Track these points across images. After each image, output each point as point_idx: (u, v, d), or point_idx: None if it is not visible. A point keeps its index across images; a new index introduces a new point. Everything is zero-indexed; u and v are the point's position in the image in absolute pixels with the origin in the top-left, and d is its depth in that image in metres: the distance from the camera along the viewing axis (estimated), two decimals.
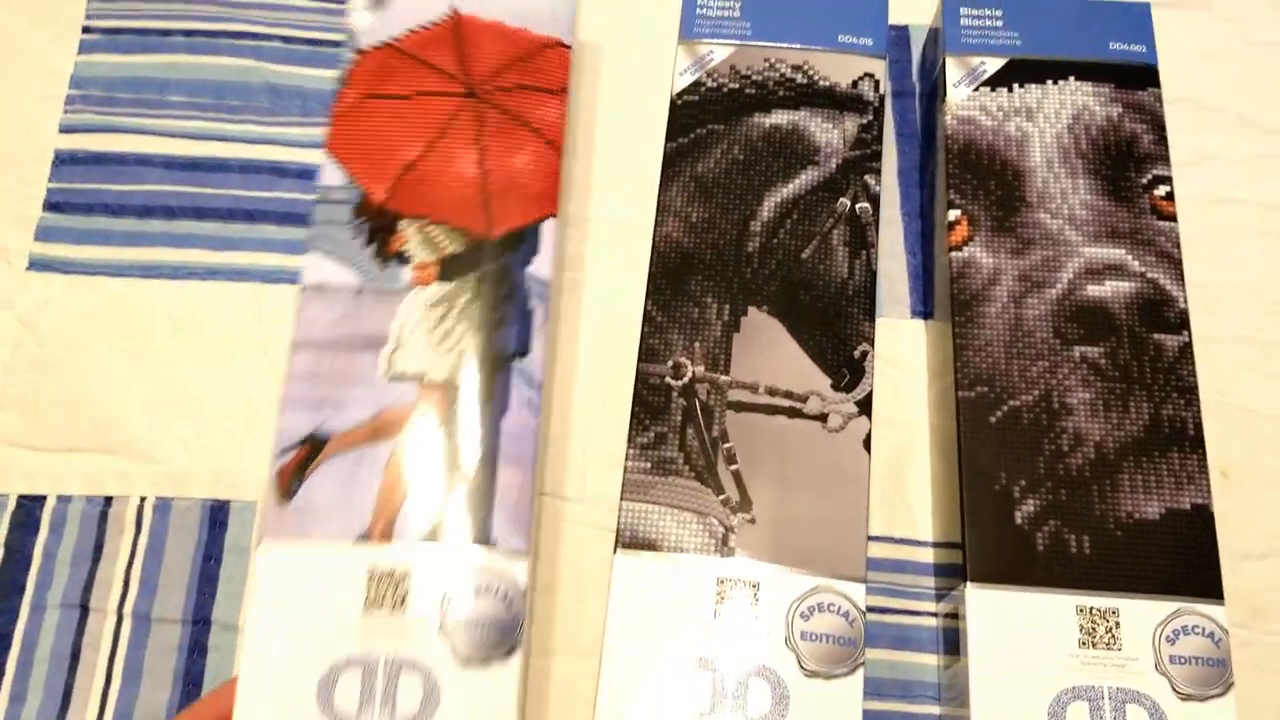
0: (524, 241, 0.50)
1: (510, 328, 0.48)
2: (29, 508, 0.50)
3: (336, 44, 0.59)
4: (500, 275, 0.49)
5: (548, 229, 0.50)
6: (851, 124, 0.53)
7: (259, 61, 0.59)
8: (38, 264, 0.54)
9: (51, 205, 0.55)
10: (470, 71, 0.53)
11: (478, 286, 0.49)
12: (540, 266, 0.50)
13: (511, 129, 0.52)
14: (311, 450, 0.46)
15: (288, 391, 0.47)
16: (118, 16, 0.60)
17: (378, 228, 0.50)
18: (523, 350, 0.48)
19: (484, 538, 0.45)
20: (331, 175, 0.51)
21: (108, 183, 0.56)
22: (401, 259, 0.49)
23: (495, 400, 0.47)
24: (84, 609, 0.48)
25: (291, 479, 0.45)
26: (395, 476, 0.46)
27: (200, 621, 0.48)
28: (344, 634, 0.43)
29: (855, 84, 0.53)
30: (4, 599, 0.48)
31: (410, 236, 0.50)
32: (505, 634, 0.43)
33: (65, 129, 0.57)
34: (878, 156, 0.52)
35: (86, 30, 0.59)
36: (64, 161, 0.56)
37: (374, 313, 0.48)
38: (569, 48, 0.54)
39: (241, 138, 0.57)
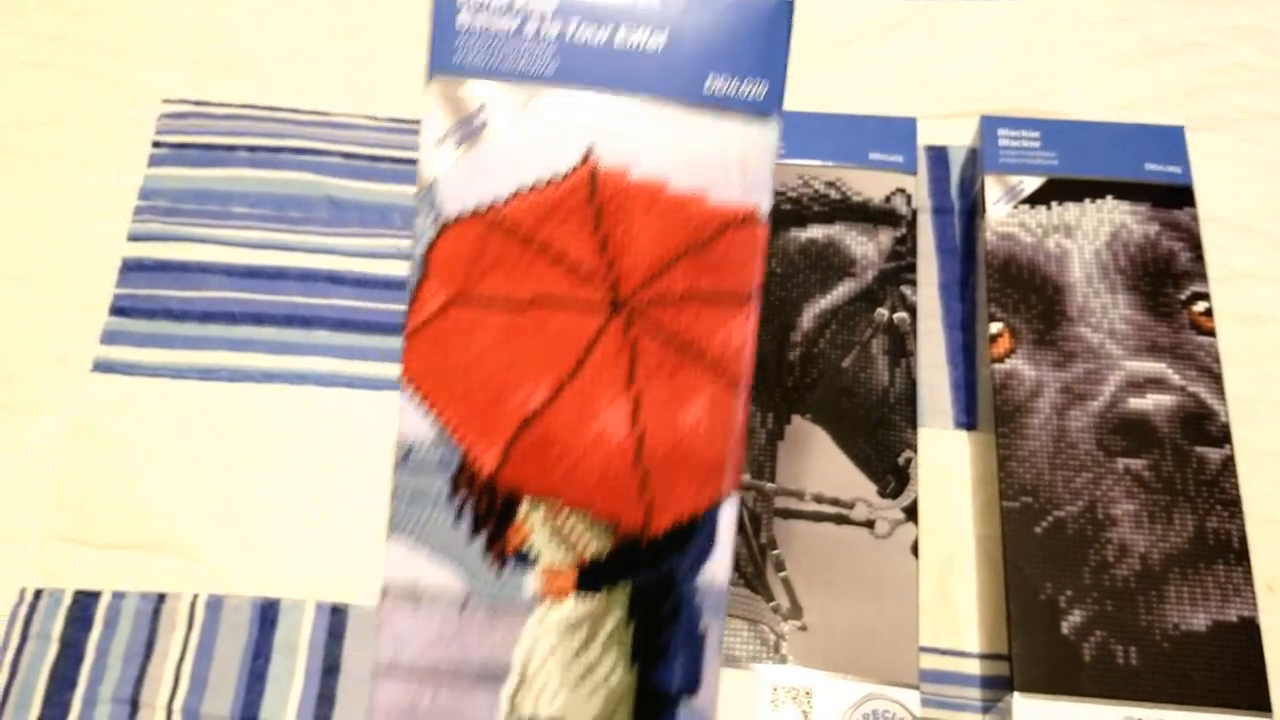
0: (694, 537, 0.35)
1: (674, 659, 0.35)
2: (85, 603, 0.51)
3: (395, 160, 0.62)
4: (662, 587, 0.35)
5: (726, 516, 0.35)
6: (886, 237, 0.54)
7: (320, 176, 0.61)
8: (101, 366, 0.56)
9: (117, 310, 0.57)
10: (618, 267, 0.35)
11: (631, 603, 0.35)
12: (715, 571, 0.35)
13: (678, 364, 0.35)
14: None
15: None
16: (186, 132, 0.63)
17: (489, 511, 0.35)
18: (691, 686, 0.35)
19: None
20: (415, 424, 0.35)
21: (172, 289, 0.58)
22: (524, 559, 0.35)
23: None
24: (134, 705, 0.49)
25: None
26: None
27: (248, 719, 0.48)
28: None
29: (888, 199, 0.55)
30: (56, 693, 0.49)
31: (535, 527, 0.35)
32: None
33: (133, 237, 0.59)
34: (913, 268, 0.53)
35: (156, 145, 0.62)
36: (131, 268, 0.58)
37: (489, 634, 0.35)
38: (765, 225, 0.35)
39: (301, 247, 0.59)
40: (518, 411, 0.35)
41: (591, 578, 0.35)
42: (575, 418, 0.35)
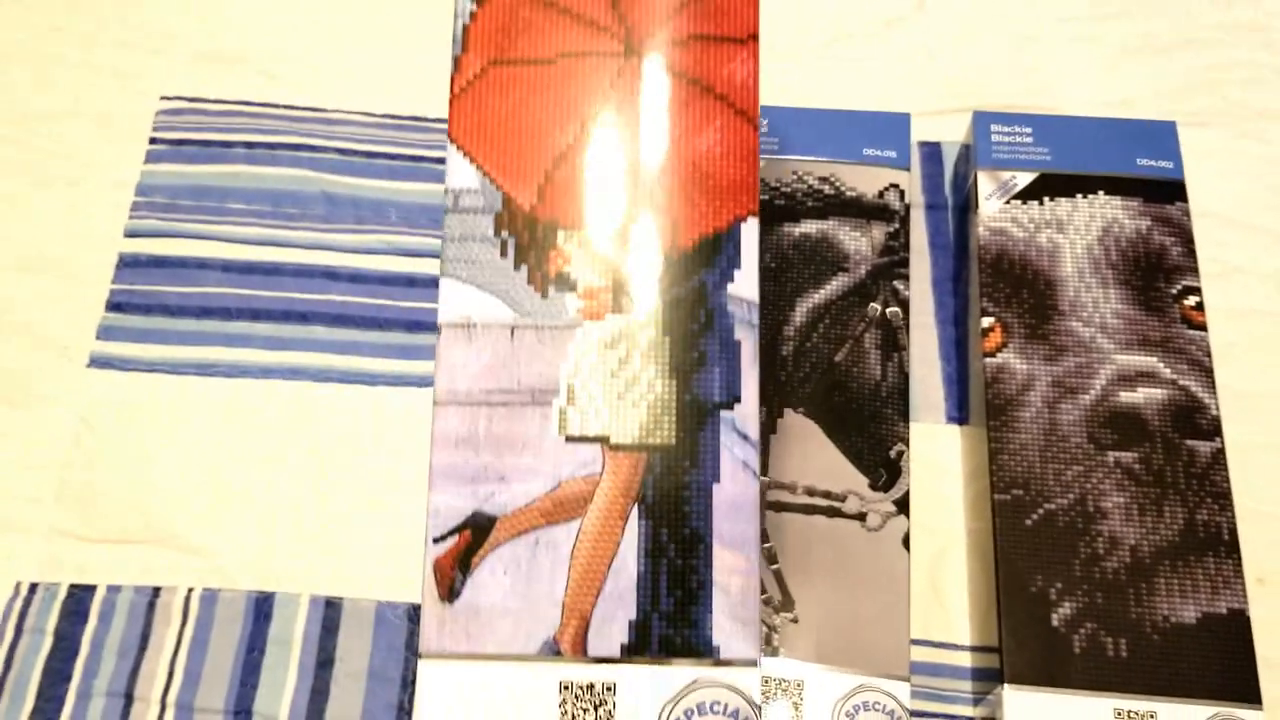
0: (720, 251, 0.39)
1: (712, 368, 0.38)
2: (80, 597, 0.51)
3: (391, 156, 0.62)
4: (693, 299, 0.38)
5: (749, 231, 0.39)
6: (879, 232, 0.54)
7: (316, 172, 0.62)
8: (98, 361, 0.56)
9: (114, 305, 0.58)
10: (629, 19, 0.40)
11: (665, 316, 0.38)
12: (743, 283, 0.39)
13: (690, 96, 0.40)
14: (475, 536, 0.37)
15: (436, 463, 0.37)
16: (183, 129, 0.63)
17: (529, 244, 0.39)
18: (732, 396, 0.38)
19: (703, 645, 0.36)
20: (460, 174, 0.40)
21: (168, 285, 0.58)
22: (564, 284, 0.39)
23: (704, 466, 0.37)
24: (128, 698, 0.49)
25: (454, 574, 0.37)
26: (585, 567, 0.37)
27: (242, 713, 0.48)
28: None
29: (881, 194, 0.55)
30: (51, 686, 0.49)
31: (572, 254, 0.39)
32: None
33: (130, 233, 0.60)
34: (906, 263, 0.54)
35: (153, 141, 0.62)
36: (127, 264, 0.59)
37: (537, 356, 0.38)
38: None
39: (297, 243, 0.60)
40: (550, 152, 0.39)
41: (626, 296, 0.38)
42: (600, 152, 0.39)
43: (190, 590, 0.51)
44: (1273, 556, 0.51)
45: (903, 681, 0.45)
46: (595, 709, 0.35)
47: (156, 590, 0.51)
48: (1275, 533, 0.52)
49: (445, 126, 0.63)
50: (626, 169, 0.39)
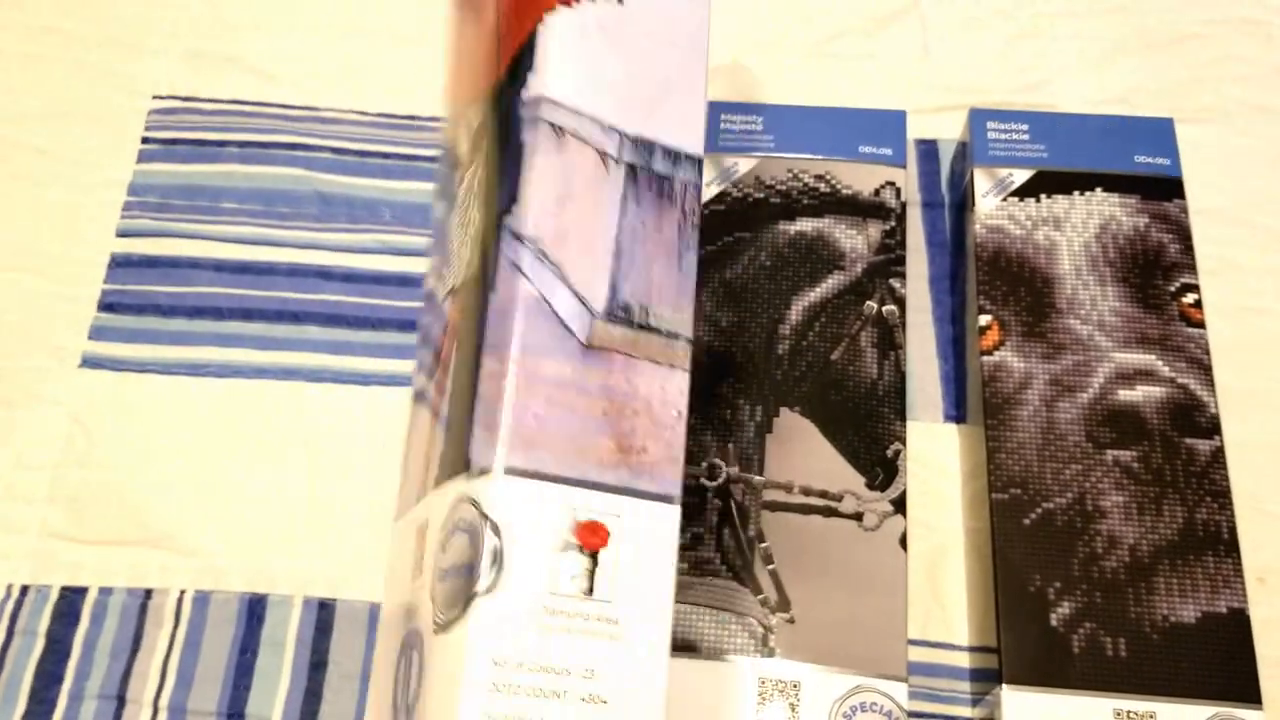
0: (521, 63, 0.36)
1: (503, 180, 0.35)
2: (71, 599, 0.50)
3: (384, 155, 0.62)
4: (500, 121, 0.36)
5: (547, 32, 0.35)
6: (875, 230, 0.54)
7: (309, 171, 0.61)
8: (89, 361, 0.56)
9: (105, 305, 0.57)
10: None
11: (486, 152, 0.37)
12: (536, 83, 0.35)
13: None
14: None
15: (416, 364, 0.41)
16: (175, 128, 0.62)
17: (454, 165, 0.42)
18: (510, 201, 0.34)
19: (462, 461, 0.33)
20: (442, 131, 0.45)
21: (160, 284, 0.58)
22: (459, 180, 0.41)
23: (486, 281, 0.34)
24: (120, 700, 0.48)
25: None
26: (429, 419, 0.38)
27: (235, 715, 0.48)
28: (408, 612, 0.36)
29: (877, 192, 0.55)
30: (43, 689, 0.49)
31: (460, 138, 0.40)
32: (463, 582, 0.30)
33: (122, 233, 0.59)
34: (902, 261, 0.53)
35: (145, 141, 0.62)
36: (119, 264, 0.58)
37: (443, 250, 0.40)
38: None
39: (290, 243, 0.59)
40: (460, 73, 0.42)
41: (474, 148, 0.38)
42: (473, 39, 0.40)
43: (183, 592, 0.51)
44: (1273, 555, 0.51)
45: (900, 682, 0.44)
46: (420, 547, 0.35)
47: (149, 592, 0.51)
48: (1275, 531, 0.52)
49: (439, 125, 0.63)
50: (484, 31, 0.39)
